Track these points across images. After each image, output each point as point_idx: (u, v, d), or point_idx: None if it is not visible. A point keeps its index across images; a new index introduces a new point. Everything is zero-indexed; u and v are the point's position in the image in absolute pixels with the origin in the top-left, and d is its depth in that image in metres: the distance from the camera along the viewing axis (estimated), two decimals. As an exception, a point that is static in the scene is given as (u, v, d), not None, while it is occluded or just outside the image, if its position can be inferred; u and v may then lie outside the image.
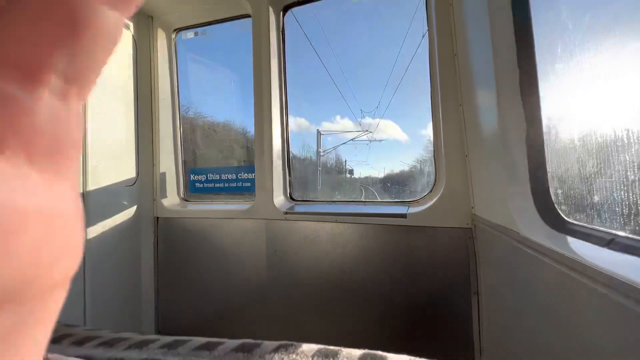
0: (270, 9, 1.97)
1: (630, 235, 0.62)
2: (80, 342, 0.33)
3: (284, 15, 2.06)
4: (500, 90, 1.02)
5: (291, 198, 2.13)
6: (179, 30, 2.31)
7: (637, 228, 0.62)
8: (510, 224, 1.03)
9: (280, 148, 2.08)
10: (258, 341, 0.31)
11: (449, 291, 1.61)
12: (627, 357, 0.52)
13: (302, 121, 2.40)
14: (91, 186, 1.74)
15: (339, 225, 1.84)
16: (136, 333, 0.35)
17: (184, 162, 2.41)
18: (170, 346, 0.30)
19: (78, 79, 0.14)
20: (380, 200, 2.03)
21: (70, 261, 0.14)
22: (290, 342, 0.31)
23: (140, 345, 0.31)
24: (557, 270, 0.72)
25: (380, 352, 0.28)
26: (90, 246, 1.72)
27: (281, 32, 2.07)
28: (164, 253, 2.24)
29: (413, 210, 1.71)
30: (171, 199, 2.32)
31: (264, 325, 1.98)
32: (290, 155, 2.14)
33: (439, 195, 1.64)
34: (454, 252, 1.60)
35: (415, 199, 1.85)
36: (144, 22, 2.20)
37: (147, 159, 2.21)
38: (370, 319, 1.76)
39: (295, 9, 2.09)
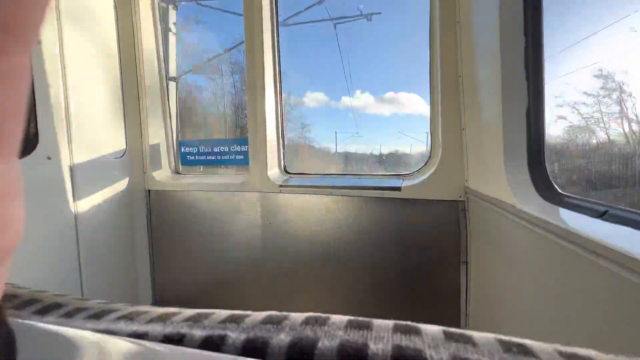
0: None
1: (623, 207, 0.64)
2: (69, 314, 0.32)
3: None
4: (504, 62, 0.99)
5: (285, 171, 2.12)
6: (162, -10, 2.13)
7: (629, 200, 0.64)
8: (505, 196, 1.05)
9: (275, 120, 2.02)
10: (247, 312, 0.31)
11: (439, 261, 1.68)
12: (620, 324, 0.56)
13: (321, 96, 2.29)
14: (79, 159, 1.68)
15: (333, 197, 1.85)
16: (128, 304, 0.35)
17: (174, 134, 2.33)
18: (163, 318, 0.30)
19: (13, 25, 0.11)
20: (375, 174, 2.03)
21: (6, 239, 0.13)
22: (279, 313, 0.31)
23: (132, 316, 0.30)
24: (551, 241, 0.75)
25: (366, 319, 0.28)
26: (82, 220, 1.69)
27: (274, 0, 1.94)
28: (158, 226, 2.23)
29: (407, 183, 1.73)
30: (163, 172, 2.27)
31: (258, 295, 2.04)
32: (285, 126, 2.10)
33: (433, 169, 1.65)
34: (446, 223, 1.65)
35: (409, 172, 1.86)
36: (124, -19, 2.01)
37: (135, 130, 2.12)
38: (362, 288, 1.84)
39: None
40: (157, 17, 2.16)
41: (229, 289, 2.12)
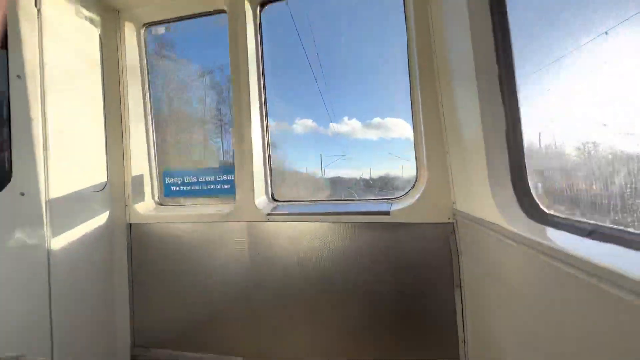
0: (247, 5, 1.91)
1: (611, 225, 0.65)
2: None
3: (261, 11, 2.01)
4: (481, 87, 1.04)
5: (273, 199, 2.09)
6: (148, 25, 2.19)
7: (616, 218, 0.65)
8: (492, 217, 1.05)
9: (261, 148, 2.02)
10: None
11: (433, 285, 1.64)
12: (613, 343, 0.54)
13: (309, 122, 2.34)
14: (56, 193, 1.60)
15: (323, 224, 1.82)
16: None
17: (158, 165, 2.29)
18: None
19: None
20: (364, 199, 2.03)
21: None
22: None
23: None
24: (541, 260, 0.74)
25: None
26: (56, 258, 1.59)
27: (258, 29, 2.01)
28: (139, 261, 2.11)
29: (396, 207, 1.73)
30: (145, 204, 2.19)
31: (248, 331, 1.92)
32: (271, 154, 2.09)
33: (421, 192, 1.66)
34: (437, 246, 1.63)
35: (397, 196, 1.87)
36: (111, 16, 2.06)
37: (118, 161, 2.08)
38: (356, 317, 1.76)
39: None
40: (143, 46, 2.20)
41: (216, 325, 1.99)
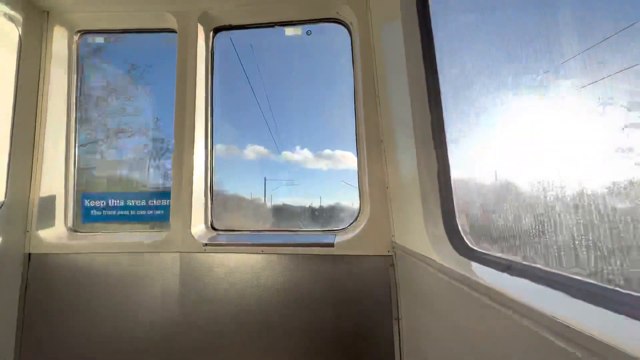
0: (200, 28, 1.88)
1: (523, 262, 0.73)
2: None
3: (214, 36, 2.00)
4: (416, 130, 1.15)
5: (212, 227, 1.95)
6: (83, 32, 2.01)
7: (526, 254, 0.74)
8: (425, 251, 1.12)
9: (203, 173, 1.91)
10: None
11: (373, 319, 1.65)
12: None
13: (261, 149, 2.31)
14: None
15: (265, 256, 1.73)
16: None
17: (77, 185, 2.00)
18: None
19: None
20: (309, 230, 2.01)
21: None
22: None
23: None
24: (467, 294, 0.79)
25: None
26: None
27: (210, 54, 1.99)
28: (37, 301, 1.74)
29: (340, 239, 1.74)
30: (54, 230, 1.86)
31: None
32: (214, 180, 1.98)
33: (363, 224, 1.71)
34: (377, 279, 1.66)
35: (341, 227, 1.89)
36: (37, 17, 1.84)
37: (23, 178, 1.76)
38: (297, 352, 1.66)
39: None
40: (75, 53, 1.99)
41: None
